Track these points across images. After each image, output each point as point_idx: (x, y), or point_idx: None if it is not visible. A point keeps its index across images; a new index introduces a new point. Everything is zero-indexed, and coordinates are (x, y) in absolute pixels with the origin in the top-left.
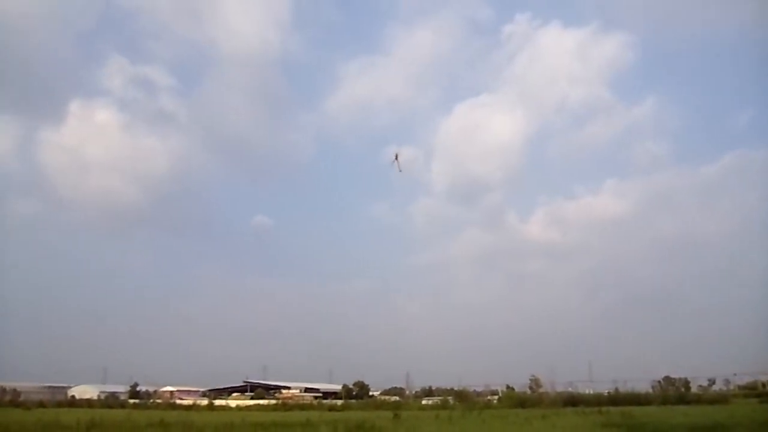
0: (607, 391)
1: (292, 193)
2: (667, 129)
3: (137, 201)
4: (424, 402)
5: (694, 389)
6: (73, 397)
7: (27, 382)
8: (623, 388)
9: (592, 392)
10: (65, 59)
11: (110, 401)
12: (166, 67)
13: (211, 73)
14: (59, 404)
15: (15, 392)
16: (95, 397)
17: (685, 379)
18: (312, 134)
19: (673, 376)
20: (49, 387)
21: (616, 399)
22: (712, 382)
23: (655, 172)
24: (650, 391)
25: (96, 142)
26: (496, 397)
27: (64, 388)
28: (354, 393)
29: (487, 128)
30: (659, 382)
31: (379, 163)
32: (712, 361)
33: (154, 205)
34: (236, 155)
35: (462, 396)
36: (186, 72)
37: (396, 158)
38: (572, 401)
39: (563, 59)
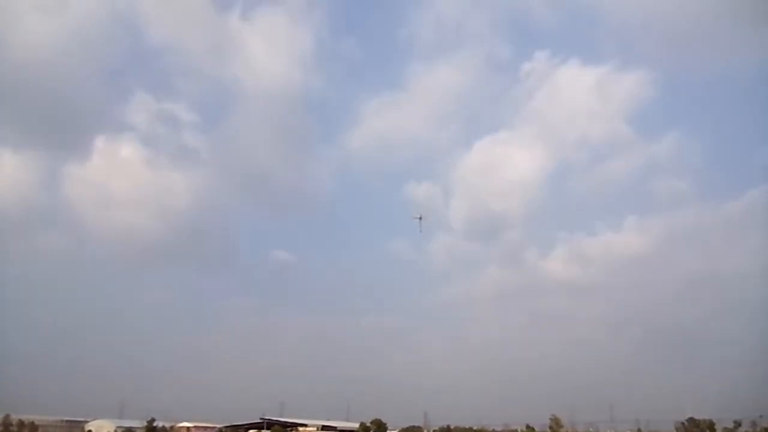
0: None
1: (312, 228)
2: (688, 165)
3: (159, 235)
4: None
5: (719, 431)
6: (90, 431)
7: (45, 415)
8: (645, 429)
9: None
10: (92, 96)
11: None
12: (190, 103)
13: (234, 110)
14: None
15: (33, 426)
16: None
17: (710, 420)
18: (332, 170)
19: (697, 417)
20: (67, 421)
21: None
22: (737, 423)
23: (677, 209)
24: None
25: (120, 177)
26: None
27: (81, 422)
28: (371, 431)
29: (507, 165)
30: (683, 423)
31: (398, 199)
32: (738, 402)
33: (175, 239)
34: (257, 190)
35: None
36: (209, 108)
37: (420, 218)
38: None
39: (583, 96)
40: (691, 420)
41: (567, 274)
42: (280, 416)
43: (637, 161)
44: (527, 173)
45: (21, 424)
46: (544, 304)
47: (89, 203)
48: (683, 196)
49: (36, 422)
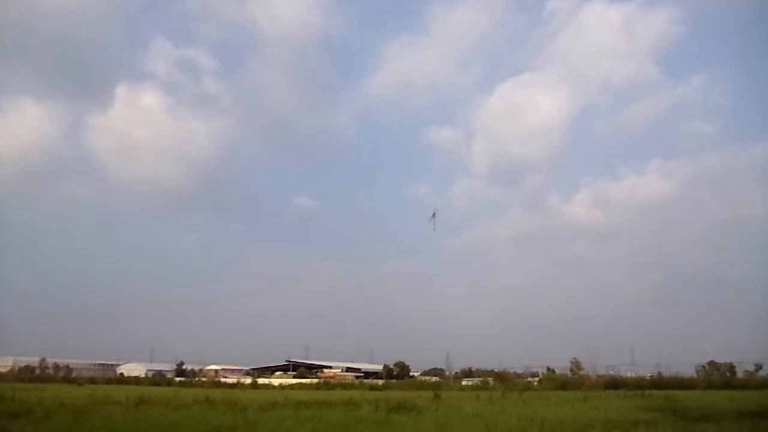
0: (649, 375)
1: (333, 174)
2: (716, 107)
3: (183, 183)
4: (464, 383)
5: (739, 374)
6: (122, 374)
7: (79, 359)
8: (666, 372)
9: (634, 375)
10: (111, 44)
11: (157, 379)
12: (210, 49)
13: (254, 55)
14: (109, 381)
15: (68, 369)
16: (143, 375)
17: (731, 363)
18: (353, 115)
19: (718, 360)
20: (100, 364)
21: (659, 383)
22: (758, 366)
23: (703, 152)
24: (694, 375)
25: (142, 125)
26: (536, 379)
27: (113, 365)
28: (395, 373)
29: (530, 108)
30: (704, 366)
31: (419, 144)
32: (758, 346)
33: (199, 186)
34: (279, 136)
35: (502, 377)
36: (229, 54)
37: (433, 215)
38: (614, 384)
39: (608, 36)
40: (711, 363)
41: (590, 218)
42: (306, 358)
43: (663, 103)
44: (551, 116)
45: (57, 366)
46: (566, 248)
47: (111, 152)
48: (710, 139)
49: (71, 366)
